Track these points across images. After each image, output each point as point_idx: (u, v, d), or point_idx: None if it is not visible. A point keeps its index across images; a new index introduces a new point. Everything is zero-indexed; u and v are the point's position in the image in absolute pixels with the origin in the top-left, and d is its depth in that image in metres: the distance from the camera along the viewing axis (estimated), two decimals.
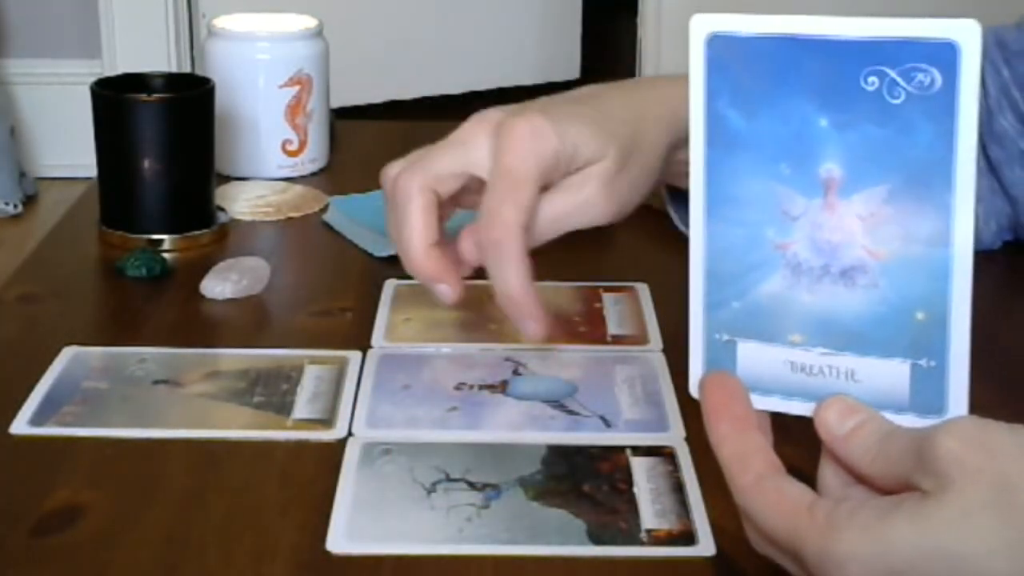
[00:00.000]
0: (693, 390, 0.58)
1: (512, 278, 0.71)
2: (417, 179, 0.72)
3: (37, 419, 0.73)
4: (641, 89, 0.79)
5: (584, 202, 0.72)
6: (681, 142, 0.74)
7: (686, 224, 0.82)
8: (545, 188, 0.72)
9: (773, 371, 0.57)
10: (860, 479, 0.53)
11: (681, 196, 0.85)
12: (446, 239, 0.74)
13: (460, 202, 0.75)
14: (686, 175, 0.77)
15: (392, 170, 0.74)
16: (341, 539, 0.62)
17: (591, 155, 0.72)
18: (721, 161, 0.56)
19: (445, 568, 0.61)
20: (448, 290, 0.74)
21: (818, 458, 0.56)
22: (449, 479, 0.67)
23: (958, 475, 0.48)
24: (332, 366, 0.80)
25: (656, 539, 0.63)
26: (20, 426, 0.73)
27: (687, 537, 0.63)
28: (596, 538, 0.63)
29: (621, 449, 0.70)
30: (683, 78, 0.77)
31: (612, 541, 0.62)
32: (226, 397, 0.76)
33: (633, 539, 0.63)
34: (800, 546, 0.51)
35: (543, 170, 0.71)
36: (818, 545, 0.50)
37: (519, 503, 0.65)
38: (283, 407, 0.75)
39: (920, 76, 0.51)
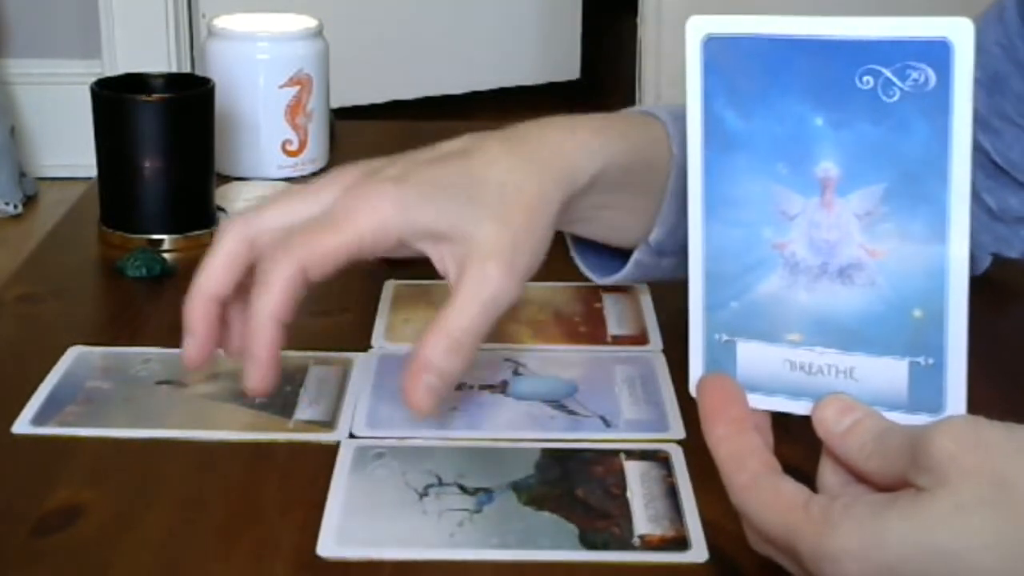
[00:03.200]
0: (693, 390, 0.58)
1: (263, 306, 0.65)
2: (235, 228, 0.68)
3: (39, 419, 0.73)
4: (530, 142, 0.71)
5: (495, 296, 0.66)
6: (579, 191, 0.71)
7: (593, 270, 0.82)
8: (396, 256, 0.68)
9: (772, 370, 0.57)
10: (858, 477, 0.54)
11: (584, 243, 0.81)
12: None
13: None
14: (585, 220, 0.75)
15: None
16: (332, 543, 0.62)
17: (452, 231, 0.66)
18: (719, 162, 0.56)
19: (441, 573, 0.61)
20: (190, 348, 0.69)
21: (818, 458, 0.56)
22: (441, 483, 0.67)
23: (952, 473, 0.48)
24: (336, 367, 0.80)
25: (648, 544, 0.63)
26: (22, 426, 0.73)
27: (680, 542, 0.63)
28: (588, 543, 0.63)
29: (615, 453, 0.70)
30: (580, 124, 0.73)
31: (604, 546, 0.62)
32: (228, 398, 0.76)
33: (625, 544, 0.62)
34: (796, 543, 0.51)
35: (369, 229, 0.66)
36: (813, 541, 0.50)
37: (511, 507, 0.65)
38: (285, 408, 0.75)
39: (914, 74, 0.51)
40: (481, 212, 0.66)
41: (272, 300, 0.65)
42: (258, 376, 0.66)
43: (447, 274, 0.67)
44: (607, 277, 0.81)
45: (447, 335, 0.65)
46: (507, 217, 0.67)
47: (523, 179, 0.68)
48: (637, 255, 0.78)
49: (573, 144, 0.71)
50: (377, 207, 0.66)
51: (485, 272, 0.65)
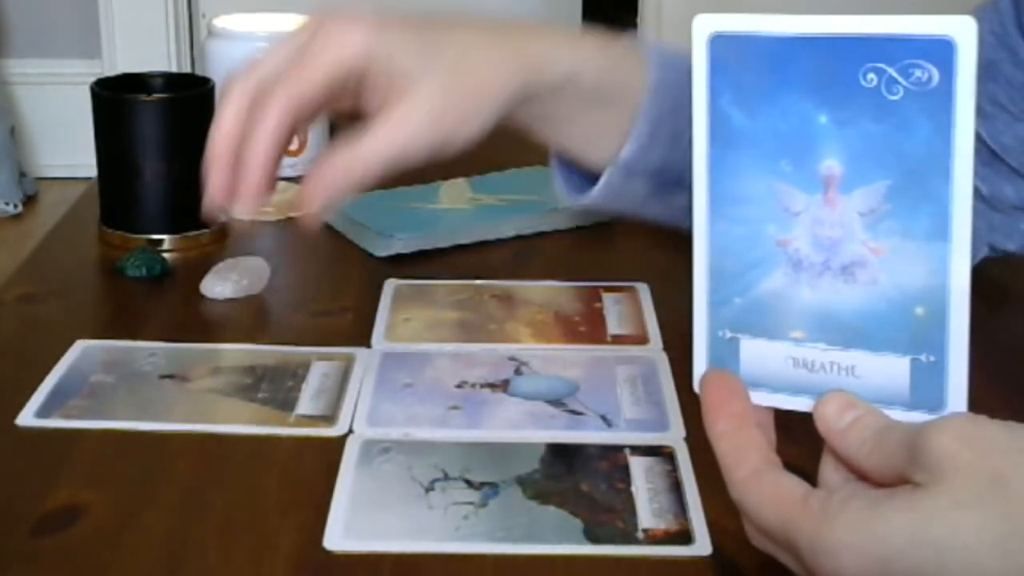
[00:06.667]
0: (696, 387, 0.58)
1: (257, 145, 0.68)
2: (238, 82, 0.70)
3: (44, 411, 0.74)
4: (507, 30, 0.75)
5: (410, 138, 0.69)
6: (537, 94, 0.74)
7: (570, 191, 0.83)
8: (354, 108, 0.71)
9: (775, 367, 0.57)
10: (857, 473, 0.54)
11: (567, 168, 0.84)
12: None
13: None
14: (559, 124, 0.78)
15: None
16: (338, 537, 0.63)
17: (409, 72, 0.70)
18: (723, 159, 0.56)
19: (446, 566, 0.61)
20: (218, 178, 0.69)
21: (818, 456, 0.56)
22: (447, 477, 0.67)
23: (951, 469, 0.49)
24: (339, 363, 0.80)
25: (652, 538, 0.63)
26: (27, 418, 0.73)
27: (684, 536, 0.63)
28: (593, 537, 0.63)
29: (620, 448, 0.70)
30: (562, 30, 0.78)
31: (609, 540, 0.63)
32: (231, 392, 0.76)
33: (630, 538, 0.63)
34: (794, 536, 0.51)
35: (345, 59, 0.69)
36: (811, 535, 0.51)
37: (517, 501, 0.65)
38: (287, 403, 0.75)
39: (917, 72, 0.51)
40: (433, 67, 0.70)
41: (269, 121, 0.68)
42: (246, 197, 0.69)
43: (369, 109, 0.70)
44: (580, 198, 0.82)
45: (343, 159, 0.69)
46: (454, 82, 0.70)
47: (486, 54, 0.72)
48: (607, 175, 0.80)
49: (548, 42, 0.75)
50: (350, 35, 0.69)
51: (407, 120, 0.69)
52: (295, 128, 0.69)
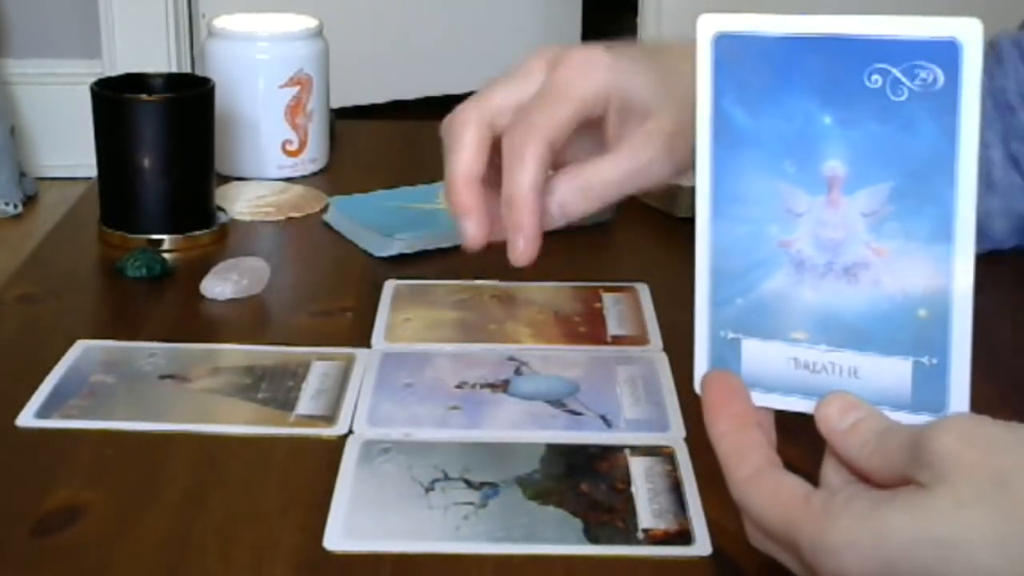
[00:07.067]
0: (697, 387, 0.58)
1: (522, 179, 0.67)
2: (472, 113, 0.71)
3: (43, 412, 0.74)
4: None
5: (647, 163, 0.70)
6: None
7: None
8: (589, 138, 0.71)
9: (777, 368, 0.57)
10: (859, 474, 0.54)
11: None
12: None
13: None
14: None
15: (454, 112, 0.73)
16: (338, 537, 0.62)
17: (646, 104, 0.71)
18: (726, 159, 0.56)
19: (446, 567, 0.61)
20: (473, 227, 0.69)
21: (819, 457, 0.56)
22: (447, 478, 0.67)
23: (953, 469, 0.49)
24: (339, 363, 0.80)
25: (653, 538, 0.63)
26: (26, 418, 0.73)
27: (684, 536, 0.63)
28: (593, 537, 0.63)
29: (620, 449, 0.70)
30: None
31: (609, 540, 0.63)
32: (231, 392, 0.76)
33: (630, 538, 0.63)
34: (796, 536, 0.51)
35: (591, 95, 0.70)
36: (814, 534, 0.51)
37: (517, 502, 0.65)
38: (287, 403, 0.75)
39: (923, 74, 0.51)
40: (666, 98, 0.71)
41: (530, 172, 0.68)
42: (525, 245, 0.68)
43: (607, 134, 0.71)
44: None
45: (583, 177, 0.70)
46: (684, 111, 0.68)
47: None
48: None
49: None
50: (592, 73, 0.70)
51: (647, 143, 0.70)
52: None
